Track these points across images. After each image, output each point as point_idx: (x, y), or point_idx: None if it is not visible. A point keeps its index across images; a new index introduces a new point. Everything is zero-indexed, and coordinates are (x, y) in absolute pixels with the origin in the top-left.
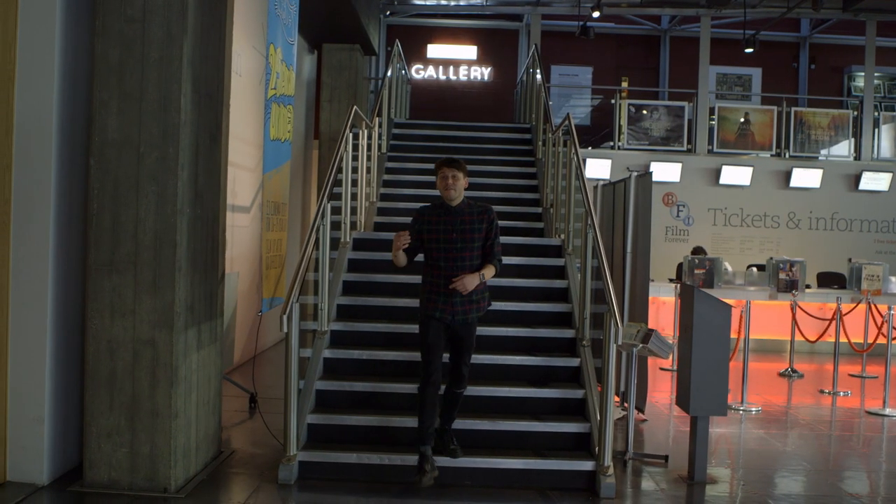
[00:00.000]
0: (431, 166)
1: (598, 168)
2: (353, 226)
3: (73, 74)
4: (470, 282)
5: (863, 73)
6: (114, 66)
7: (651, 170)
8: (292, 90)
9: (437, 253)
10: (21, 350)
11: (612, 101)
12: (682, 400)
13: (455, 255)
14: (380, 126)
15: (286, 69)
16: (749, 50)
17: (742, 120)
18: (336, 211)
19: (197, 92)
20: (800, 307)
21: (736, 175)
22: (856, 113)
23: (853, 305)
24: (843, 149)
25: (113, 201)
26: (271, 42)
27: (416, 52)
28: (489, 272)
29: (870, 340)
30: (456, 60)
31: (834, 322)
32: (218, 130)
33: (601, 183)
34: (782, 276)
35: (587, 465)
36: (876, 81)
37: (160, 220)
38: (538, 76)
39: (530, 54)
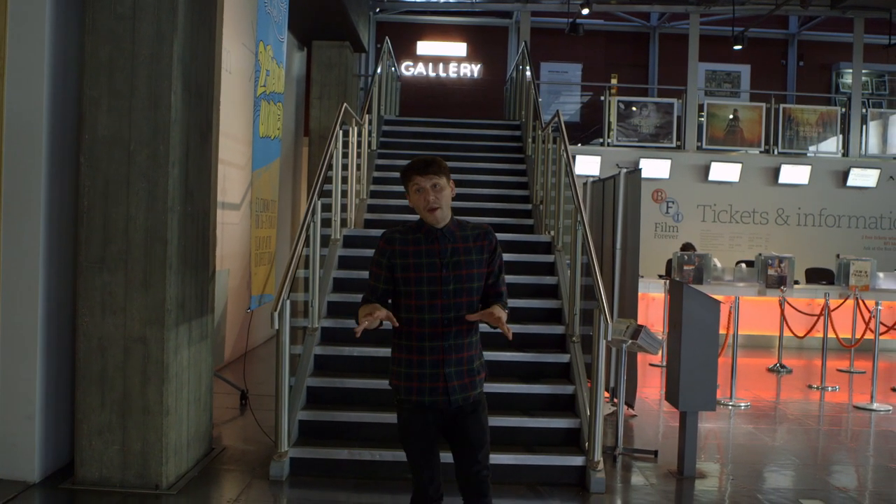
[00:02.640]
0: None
1: (587, 165)
2: (344, 223)
3: (62, 72)
4: (502, 313)
5: (851, 70)
6: (104, 63)
7: (640, 166)
8: (282, 87)
9: (417, 300)
10: (12, 348)
11: (602, 98)
12: (672, 395)
13: (445, 303)
14: (370, 123)
15: (276, 66)
16: (738, 47)
17: (731, 117)
18: (326, 208)
19: (187, 89)
20: (788, 303)
21: (725, 171)
22: (844, 110)
23: (841, 301)
24: (832, 145)
25: (103, 199)
26: (261, 39)
27: (405, 49)
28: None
29: (857, 336)
30: (446, 57)
31: (822, 318)
32: (208, 128)
33: (591, 179)
34: (771, 272)
35: (577, 461)
36: (864, 78)
37: (151, 217)
38: (528, 73)
39: (520, 51)
